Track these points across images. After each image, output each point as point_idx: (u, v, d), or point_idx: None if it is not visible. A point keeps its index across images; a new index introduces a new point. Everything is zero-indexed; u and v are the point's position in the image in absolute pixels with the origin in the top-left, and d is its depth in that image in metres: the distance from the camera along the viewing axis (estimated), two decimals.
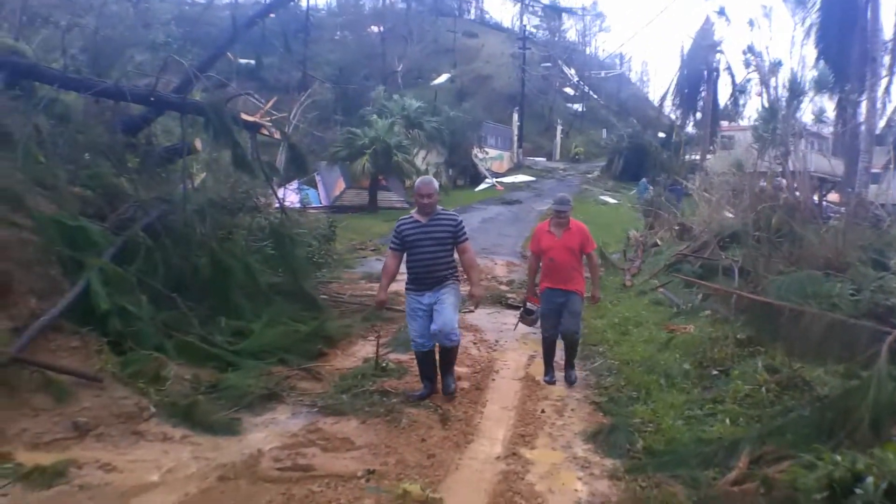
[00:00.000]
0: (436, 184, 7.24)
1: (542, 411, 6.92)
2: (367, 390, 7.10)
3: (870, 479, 4.01)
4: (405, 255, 7.01)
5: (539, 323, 8.23)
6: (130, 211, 8.38)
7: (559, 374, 8.13)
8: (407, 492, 4.67)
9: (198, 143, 10.67)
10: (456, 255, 7.12)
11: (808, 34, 24.04)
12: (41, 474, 4.60)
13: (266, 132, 10.27)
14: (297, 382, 7.37)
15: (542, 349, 8.31)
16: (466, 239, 7.09)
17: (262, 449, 5.51)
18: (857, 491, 4.02)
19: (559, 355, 8.24)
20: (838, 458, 4.30)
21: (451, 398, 7.06)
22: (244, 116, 9.46)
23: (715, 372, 7.48)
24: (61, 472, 4.68)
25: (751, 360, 7.36)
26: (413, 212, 7.10)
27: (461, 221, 7.07)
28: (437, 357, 7.25)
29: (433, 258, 6.84)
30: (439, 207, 7.05)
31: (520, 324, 8.80)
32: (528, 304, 8.28)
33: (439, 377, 7.28)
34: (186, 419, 5.91)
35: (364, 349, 8.83)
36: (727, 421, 6.10)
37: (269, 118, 10.65)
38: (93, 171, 8.58)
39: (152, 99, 9.14)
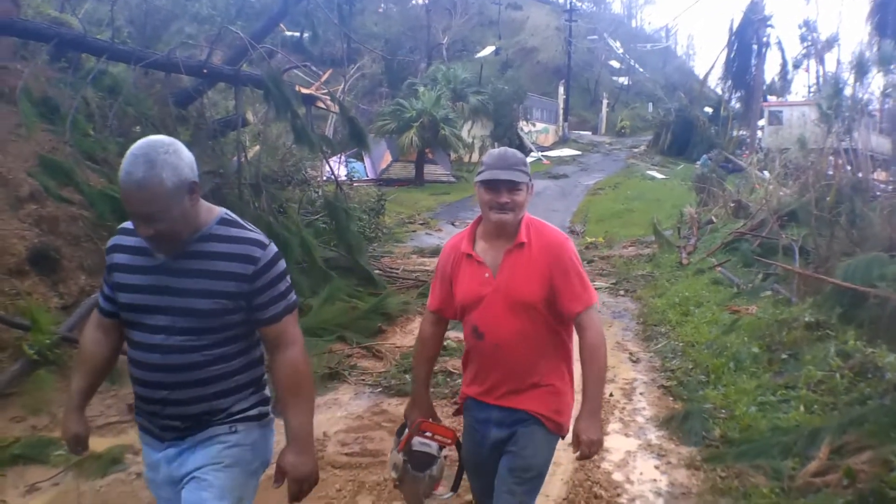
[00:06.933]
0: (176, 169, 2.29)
1: (611, 395, 6.75)
2: None
3: None
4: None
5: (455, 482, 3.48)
6: None
7: None
8: None
9: (250, 116, 10.59)
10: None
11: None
12: (95, 461, 4.47)
13: (322, 105, 10.15)
14: (358, 361, 7.29)
15: None
16: (288, 311, 2.56)
17: (328, 432, 5.40)
18: None
19: None
20: None
21: None
22: (300, 89, 9.32)
23: (784, 356, 7.21)
24: (117, 459, 4.58)
25: (821, 345, 7.05)
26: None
27: (271, 259, 2.51)
28: None
29: (173, 361, 2.44)
30: (221, 215, 2.58)
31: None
32: (420, 440, 3.28)
33: None
34: None
35: None
36: (801, 408, 5.85)
37: (323, 91, 10.53)
38: None
39: (205, 71, 9.02)
